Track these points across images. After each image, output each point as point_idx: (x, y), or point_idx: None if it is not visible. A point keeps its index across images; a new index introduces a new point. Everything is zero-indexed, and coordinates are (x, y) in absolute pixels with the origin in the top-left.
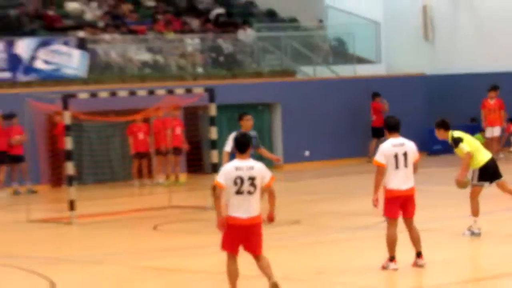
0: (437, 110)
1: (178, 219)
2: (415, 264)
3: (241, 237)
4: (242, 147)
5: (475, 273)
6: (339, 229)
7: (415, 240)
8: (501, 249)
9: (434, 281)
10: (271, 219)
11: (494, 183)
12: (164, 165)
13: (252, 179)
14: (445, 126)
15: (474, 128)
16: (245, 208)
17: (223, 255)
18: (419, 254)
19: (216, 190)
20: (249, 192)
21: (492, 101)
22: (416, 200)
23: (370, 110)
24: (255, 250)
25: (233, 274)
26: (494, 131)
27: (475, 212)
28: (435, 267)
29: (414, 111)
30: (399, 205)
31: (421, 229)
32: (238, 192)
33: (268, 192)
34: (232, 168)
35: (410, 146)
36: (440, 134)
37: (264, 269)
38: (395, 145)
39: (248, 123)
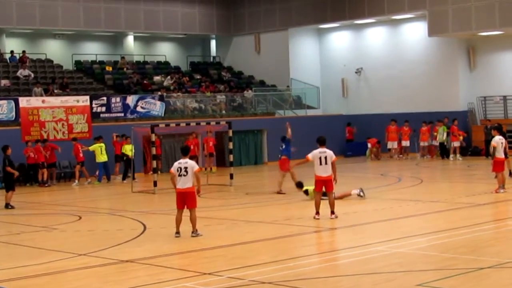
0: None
1: (212, 190)
2: (330, 217)
3: (181, 198)
4: (184, 153)
5: (359, 220)
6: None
7: (331, 203)
8: (380, 205)
9: (339, 224)
10: (198, 192)
11: None
12: (206, 162)
13: (186, 168)
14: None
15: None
16: (182, 183)
17: (242, 209)
18: (332, 212)
19: (171, 174)
20: (184, 175)
21: (393, 127)
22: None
23: (345, 131)
24: (189, 205)
25: (178, 220)
26: (393, 144)
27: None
28: (342, 217)
29: (338, 133)
30: (322, 184)
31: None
32: (179, 175)
33: (196, 176)
34: (176, 163)
35: (329, 153)
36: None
37: (192, 221)
38: (320, 152)
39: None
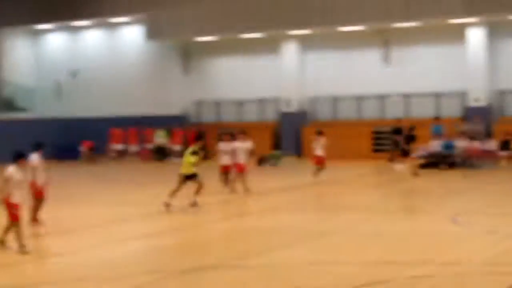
0: None
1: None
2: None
3: None
4: None
5: (69, 225)
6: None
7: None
8: (92, 210)
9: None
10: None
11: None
12: None
13: None
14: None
15: None
16: None
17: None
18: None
19: None
20: None
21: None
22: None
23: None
24: None
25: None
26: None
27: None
28: (51, 223)
29: (53, 137)
30: None
31: None
32: None
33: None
34: None
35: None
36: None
37: None
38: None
39: None
